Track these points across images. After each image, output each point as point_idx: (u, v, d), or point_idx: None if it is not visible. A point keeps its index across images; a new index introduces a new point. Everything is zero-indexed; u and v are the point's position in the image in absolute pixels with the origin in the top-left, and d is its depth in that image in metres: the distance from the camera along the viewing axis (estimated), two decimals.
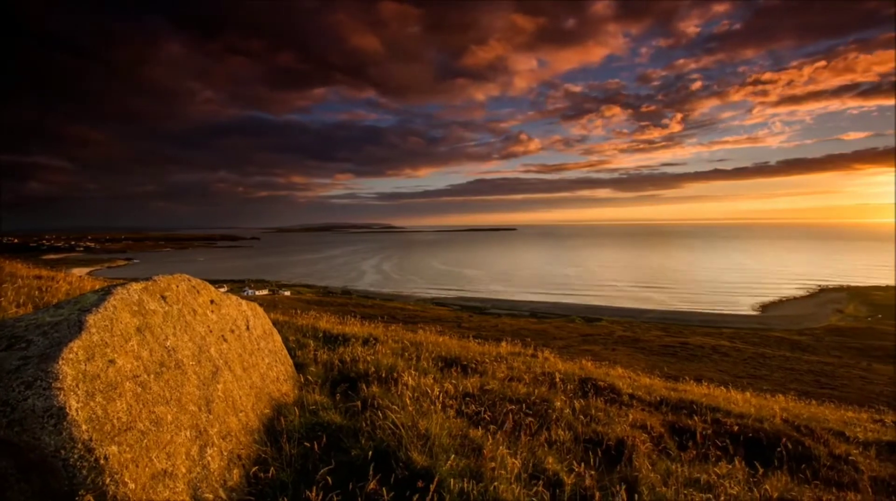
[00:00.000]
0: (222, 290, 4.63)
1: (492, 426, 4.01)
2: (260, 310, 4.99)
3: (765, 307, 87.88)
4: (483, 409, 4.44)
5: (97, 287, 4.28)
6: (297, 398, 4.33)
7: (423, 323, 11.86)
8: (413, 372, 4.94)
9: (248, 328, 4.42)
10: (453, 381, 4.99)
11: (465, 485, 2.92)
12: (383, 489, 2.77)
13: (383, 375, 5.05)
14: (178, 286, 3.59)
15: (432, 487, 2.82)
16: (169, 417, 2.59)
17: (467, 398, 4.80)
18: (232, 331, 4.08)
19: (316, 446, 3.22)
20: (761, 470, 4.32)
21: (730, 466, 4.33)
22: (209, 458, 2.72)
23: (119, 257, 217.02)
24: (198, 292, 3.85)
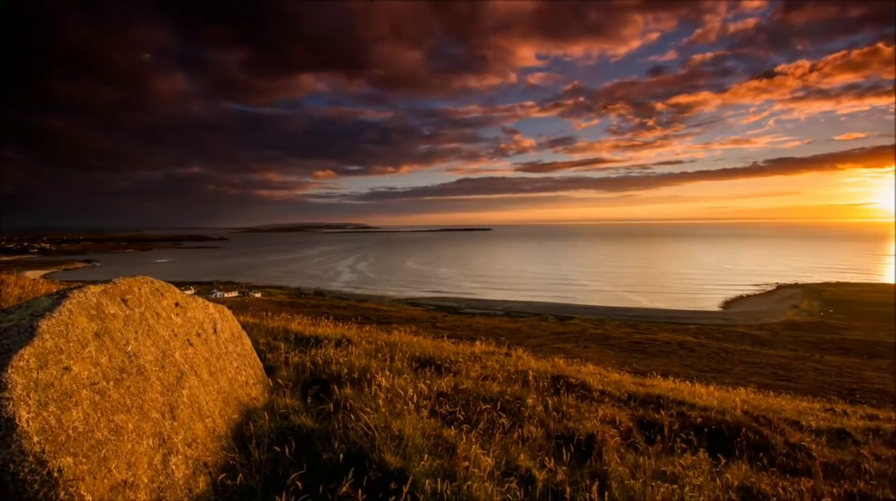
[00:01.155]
0: (189, 292, 4.47)
1: (465, 426, 4.02)
2: (228, 313, 4.85)
3: (728, 304, 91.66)
4: (457, 408, 4.45)
5: (52, 291, 4.07)
6: (267, 402, 4.24)
7: (398, 324, 11.81)
8: (387, 373, 4.91)
9: (215, 332, 4.30)
10: (427, 381, 4.99)
11: (439, 485, 2.93)
12: (357, 491, 2.75)
13: (356, 376, 5.00)
14: (140, 289, 3.45)
15: (405, 488, 2.82)
16: (130, 425, 2.48)
17: (441, 398, 4.81)
18: (198, 335, 3.95)
19: (286, 450, 3.15)
20: (723, 460, 4.51)
21: (694, 457, 4.49)
22: (173, 466, 2.63)
23: (77, 258, 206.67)
24: (162, 294, 3.72)
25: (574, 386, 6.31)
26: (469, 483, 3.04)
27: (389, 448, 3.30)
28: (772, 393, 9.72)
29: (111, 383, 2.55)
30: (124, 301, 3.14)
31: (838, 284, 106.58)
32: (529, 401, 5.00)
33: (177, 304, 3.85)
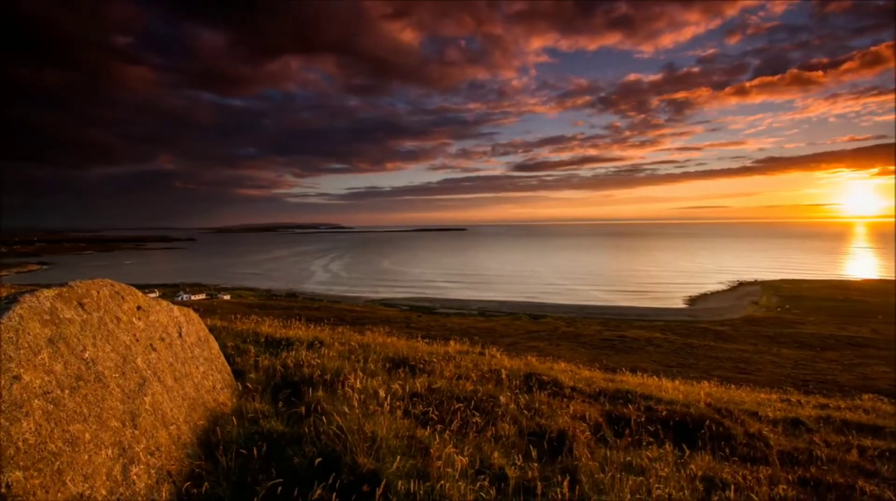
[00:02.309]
0: (153, 295, 4.31)
1: (439, 425, 4.03)
2: (194, 316, 4.70)
3: (692, 301, 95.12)
4: (431, 408, 4.46)
5: (2, 295, 3.84)
6: (235, 407, 4.13)
7: (372, 324, 11.72)
8: (360, 375, 4.87)
9: (180, 336, 4.16)
10: (401, 382, 4.98)
11: (412, 486, 2.93)
12: (330, 495, 2.71)
13: (329, 378, 4.93)
14: (98, 292, 3.30)
15: (379, 490, 2.80)
16: (87, 435, 2.37)
17: (415, 399, 4.81)
18: (162, 339, 3.81)
19: (256, 456, 3.08)
20: (688, 452, 4.68)
21: (661, 450, 4.64)
22: (135, 477, 2.52)
23: (31, 261, 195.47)
24: (122, 298, 3.57)
25: (546, 384, 6.42)
26: (442, 482, 3.05)
27: (362, 450, 3.27)
28: (733, 386, 10.15)
29: (66, 391, 2.43)
30: (81, 305, 3.00)
31: (794, 280, 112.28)
32: (502, 399, 5.05)
33: (139, 307, 3.71)
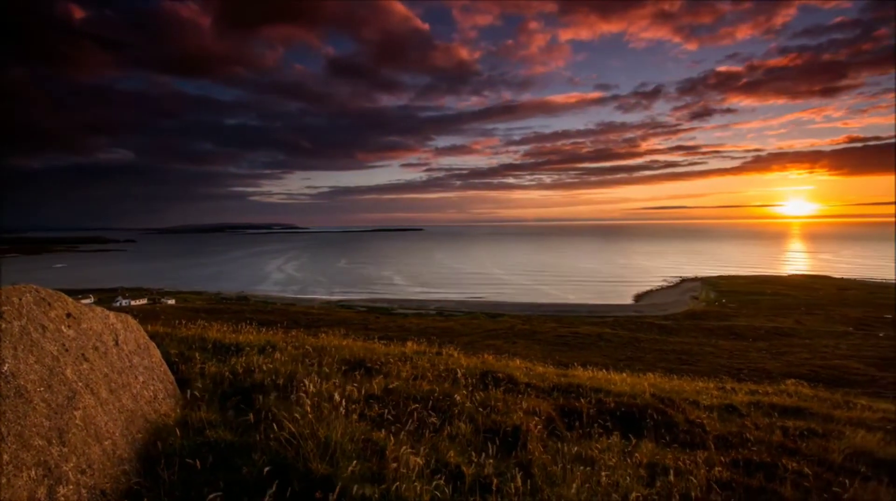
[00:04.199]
0: (86, 301, 4.02)
1: (395, 427, 4.02)
2: (133, 322, 4.42)
3: (639, 297, 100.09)
4: (387, 410, 4.43)
5: None
6: (179, 417, 3.91)
7: (328, 327, 11.48)
8: (314, 378, 4.75)
9: (117, 344, 3.90)
10: (356, 384, 4.91)
11: (367, 489, 2.90)
12: None
13: (281, 383, 4.78)
14: (20, 299, 3.03)
15: (332, 496, 2.75)
16: (5, 457, 2.18)
17: (371, 400, 4.76)
18: (96, 348, 3.56)
19: (201, 468, 2.94)
20: (634, 441, 4.93)
21: (609, 440, 4.86)
22: (62, 498, 2.34)
23: None
24: (49, 304, 3.30)
25: (501, 381, 6.54)
26: (398, 484, 3.04)
27: (316, 455, 3.20)
28: (675, 377, 10.77)
29: None
30: None
31: (731, 276, 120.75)
32: (458, 398, 5.10)
33: (69, 315, 3.44)
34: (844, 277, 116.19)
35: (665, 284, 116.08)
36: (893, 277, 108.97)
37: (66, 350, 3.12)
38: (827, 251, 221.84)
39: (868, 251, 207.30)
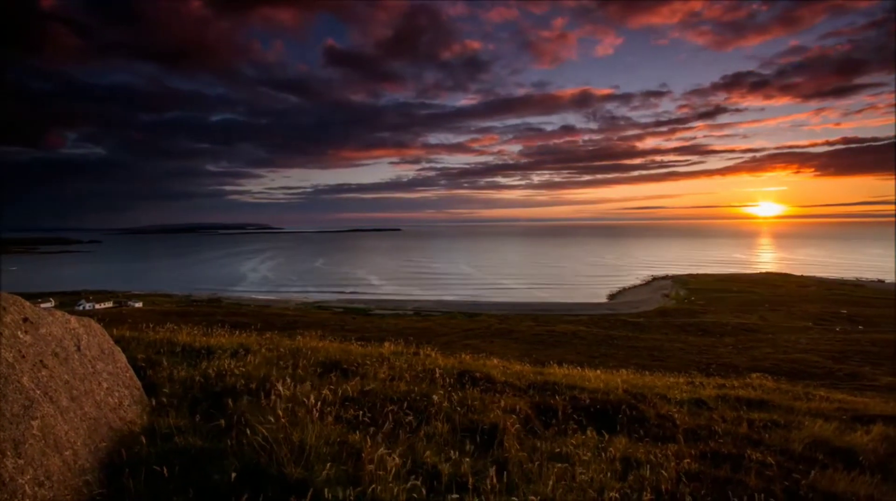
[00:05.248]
0: (46, 306, 3.83)
1: (372, 428, 3.99)
2: (96, 326, 4.24)
3: (613, 295, 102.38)
4: (363, 412, 4.39)
5: None
6: (146, 424, 3.78)
7: (304, 329, 11.29)
8: (288, 381, 4.67)
9: (79, 349, 3.73)
10: (332, 386, 4.85)
11: (342, 493, 2.87)
12: None
13: (254, 387, 4.69)
14: None
15: (306, 500, 2.71)
16: None
17: (347, 403, 4.71)
18: (56, 354, 3.40)
19: (169, 475, 2.85)
20: (608, 436, 5.03)
21: (584, 436, 4.95)
22: None
23: None
24: (4, 309, 3.13)
25: (479, 380, 6.57)
26: (374, 486, 3.02)
27: (290, 459, 3.15)
28: (647, 373, 11.06)
29: None
30: None
31: (700, 274, 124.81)
32: (436, 398, 5.10)
33: (25, 319, 3.27)
34: (804, 274, 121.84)
35: (637, 282, 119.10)
36: (853, 274, 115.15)
37: (23, 357, 2.98)
38: (792, 250, 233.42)
39: (828, 251, 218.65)
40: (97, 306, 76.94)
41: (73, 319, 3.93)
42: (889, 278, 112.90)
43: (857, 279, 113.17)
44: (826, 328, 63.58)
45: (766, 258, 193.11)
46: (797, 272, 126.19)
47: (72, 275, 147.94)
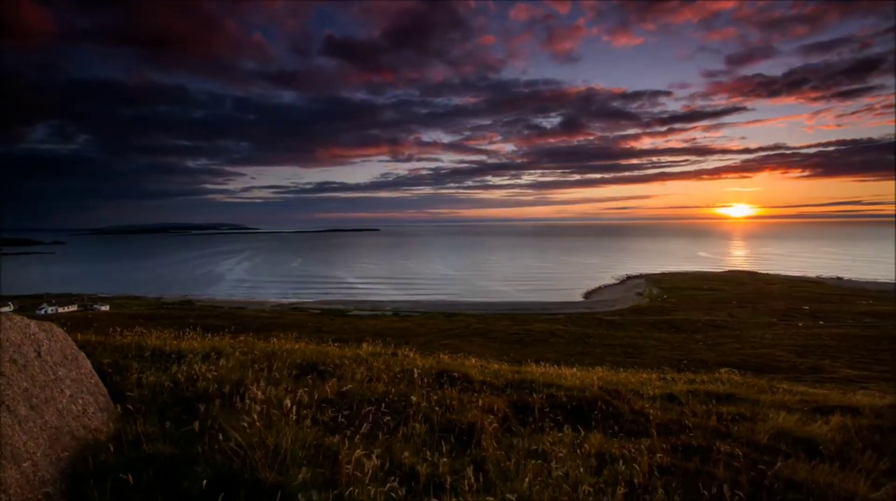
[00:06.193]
0: (5, 310, 3.65)
1: (349, 430, 3.95)
2: (58, 331, 4.07)
3: (589, 294, 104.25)
4: (340, 413, 4.35)
5: None
6: (112, 431, 3.65)
7: (280, 331, 11.08)
8: (262, 385, 4.58)
9: (39, 355, 3.57)
10: (308, 388, 4.78)
11: (318, 496, 2.83)
12: None
13: (227, 391, 4.57)
14: None
15: None
16: None
17: (324, 404, 4.65)
18: (13, 361, 3.25)
19: (136, 484, 2.76)
20: (583, 432, 5.11)
21: (560, 433, 5.02)
22: None
23: None
24: None
25: (457, 379, 6.59)
26: (351, 488, 2.99)
27: (264, 464, 3.09)
28: (622, 369, 11.31)
29: None
30: None
31: (672, 273, 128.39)
32: (414, 398, 5.09)
33: None
34: (769, 272, 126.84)
35: (612, 281, 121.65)
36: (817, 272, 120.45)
37: None
38: (761, 249, 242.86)
39: (806, 249, 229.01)
40: (60, 311, 73.69)
41: (32, 323, 3.76)
42: (846, 275, 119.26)
43: (818, 277, 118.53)
44: (790, 323, 66.33)
45: (738, 257, 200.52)
46: (763, 271, 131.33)
47: (33, 278, 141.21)
